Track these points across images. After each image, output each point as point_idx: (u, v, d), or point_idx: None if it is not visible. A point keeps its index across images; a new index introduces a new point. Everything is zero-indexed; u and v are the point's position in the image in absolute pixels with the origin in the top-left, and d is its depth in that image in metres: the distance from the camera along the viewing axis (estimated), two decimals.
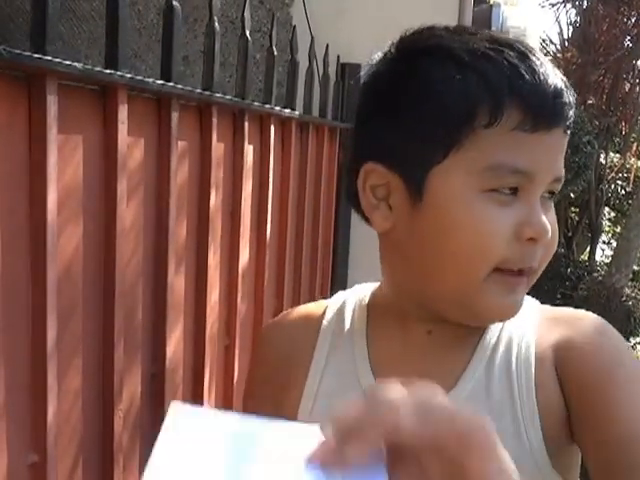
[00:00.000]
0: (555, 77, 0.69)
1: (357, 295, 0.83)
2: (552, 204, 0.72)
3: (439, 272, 0.69)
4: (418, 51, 0.70)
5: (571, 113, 0.70)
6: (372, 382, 0.74)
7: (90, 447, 1.15)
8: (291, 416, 0.76)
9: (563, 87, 0.69)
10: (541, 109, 0.67)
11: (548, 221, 0.69)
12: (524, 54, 0.68)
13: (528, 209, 0.67)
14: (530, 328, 0.75)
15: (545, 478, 0.70)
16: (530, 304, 0.79)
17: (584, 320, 0.76)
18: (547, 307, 0.80)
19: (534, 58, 0.69)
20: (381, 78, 0.73)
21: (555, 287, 4.91)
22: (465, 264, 0.67)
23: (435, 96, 0.67)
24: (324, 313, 0.82)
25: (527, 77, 0.66)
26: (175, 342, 1.39)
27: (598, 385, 0.69)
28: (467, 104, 0.65)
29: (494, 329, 0.76)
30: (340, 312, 0.82)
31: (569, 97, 0.70)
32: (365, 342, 0.78)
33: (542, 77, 0.67)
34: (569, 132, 0.71)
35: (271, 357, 0.84)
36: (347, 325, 0.80)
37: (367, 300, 0.81)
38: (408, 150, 0.69)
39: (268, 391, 0.82)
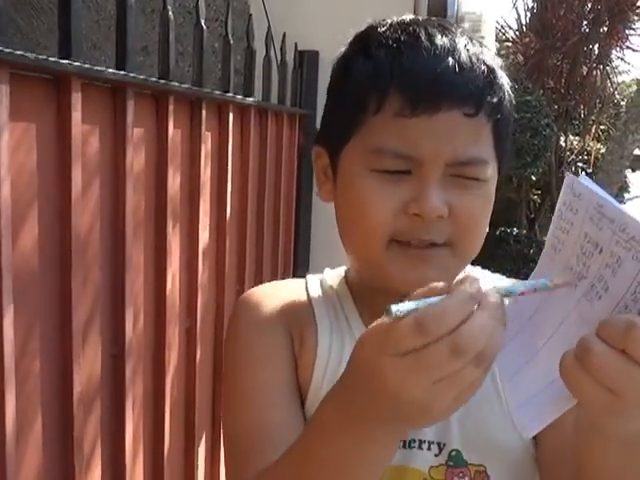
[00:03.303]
0: (447, 58, 0.68)
1: (332, 275, 0.87)
2: (476, 187, 0.72)
3: (351, 242, 0.77)
4: (353, 41, 0.78)
5: (474, 94, 0.69)
6: None
7: (50, 430, 1.17)
8: (305, 379, 0.78)
9: (454, 68, 0.68)
10: (418, 93, 0.68)
11: (465, 202, 0.71)
12: (418, 38, 0.70)
13: (418, 188, 0.70)
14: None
15: (525, 441, 0.75)
16: (499, 279, 0.85)
17: None
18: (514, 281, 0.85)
19: (426, 42, 0.70)
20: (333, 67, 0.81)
21: (518, 268, 4.99)
22: (362, 234, 0.73)
23: (344, 85, 0.76)
24: (307, 288, 0.85)
25: (407, 64, 0.69)
26: (135, 324, 1.42)
27: None
28: (361, 93, 0.72)
29: None
30: (323, 288, 0.84)
31: (467, 77, 0.69)
32: (357, 315, 0.81)
33: (423, 61, 0.69)
34: (481, 114, 0.70)
35: (271, 314, 0.81)
36: (335, 301, 0.82)
37: (342, 277, 0.85)
38: (331, 133, 0.78)
39: (273, 341, 0.79)
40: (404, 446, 0.74)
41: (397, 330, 0.51)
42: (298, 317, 0.81)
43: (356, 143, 0.73)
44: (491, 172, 0.74)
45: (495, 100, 0.71)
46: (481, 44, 0.75)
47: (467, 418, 0.75)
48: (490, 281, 0.84)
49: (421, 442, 0.75)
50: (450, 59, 0.69)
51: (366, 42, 0.74)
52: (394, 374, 0.50)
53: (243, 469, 0.73)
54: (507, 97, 0.74)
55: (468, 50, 0.71)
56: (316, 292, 0.84)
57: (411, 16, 0.78)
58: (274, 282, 0.92)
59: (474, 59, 0.71)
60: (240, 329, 0.83)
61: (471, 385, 0.51)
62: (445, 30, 0.73)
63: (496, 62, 0.74)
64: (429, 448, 0.75)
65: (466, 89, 0.69)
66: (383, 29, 0.74)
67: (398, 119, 0.69)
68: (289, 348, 0.80)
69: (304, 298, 0.83)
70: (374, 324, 0.54)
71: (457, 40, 0.71)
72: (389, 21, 0.76)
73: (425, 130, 0.69)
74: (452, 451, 0.74)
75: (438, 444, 0.75)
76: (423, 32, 0.71)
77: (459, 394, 0.51)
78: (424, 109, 0.68)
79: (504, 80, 0.75)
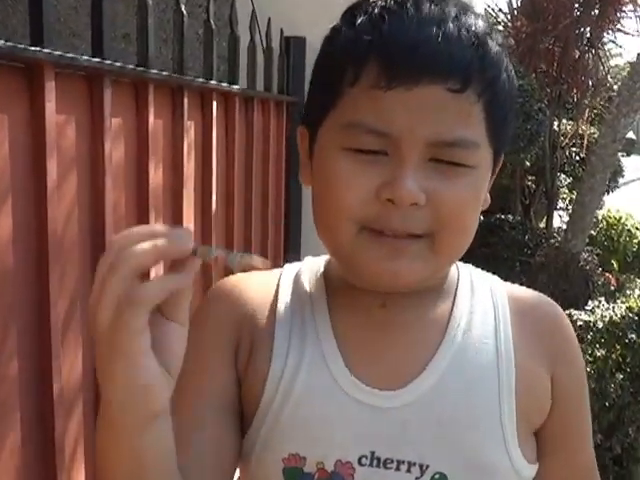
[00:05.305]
0: (431, 27, 0.61)
1: (310, 266, 0.78)
2: (462, 174, 0.64)
3: (320, 230, 0.69)
4: (343, 13, 0.71)
5: (459, 67, 0.61)
6: (341, 364, 0.69)
7: (28, 432, 1.13)
8: (256, 391, 0.70)
9: (438, 38, 0.61)
10: (395, 63, 0.61)
11: (447, 190, 0.63)
12: (403, 5, 0.63)
13: (393, 171, 0.62)
14: (502, 311, 0.73)
15: (512, 458, 0.69)
16: (494, 281, 0.77)
17: (563, 320, 0.76)
18: (510, 286, 0.78)
19: (412, 8, 0.63)
20: None
21: (513, 255, 4.94)
22: (332, 219, 0.66)
23: (325, 56, 0.70)
24: (279, 282, 0.76)
25: (386, 31, 0.62)
26: None
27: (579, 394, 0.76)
28: (340, 63, 0.65)
29: (462, 307, 0.72)
30: (297, 283, 0.76)
31: (453, 49, 0.61)
32: (328, 317, 0.72)
33: (405, 29, 0.62)
34: (469, 91, 0.62)
35: (226, 315, 0.75)
36: (306, 299, 0.74)
37: (321, 271, 0.76)
38: (311, 109, 0.71)
39: (219, 353, 0.73)
40: (378, 465, 0.67)
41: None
42: (256, 323, 0.73)
43: (332, 119, 0.66)
44: (482, 158, 0.65)
45: (487, 77, 0.63)
46: (480, 17, 0.66)
47: (457, 439, 0.67)
48: (483, 279, 0.77)
49: (399, 463, 0.67)
50: (435, 28, 0.61)
51: (354, 11, 0.68)
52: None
53: None
54: (504, 76, 0.66)
55: (459, 20, 0.63)
56: (286, 289, 0.75)
57: None
58: (249, 274, 0.79)
59: (464, 31, 0.62)
60: (195, 326, 0.76)
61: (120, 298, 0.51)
62: None
63: (494, 38, 0.66)
64: (409, 470, 0.67)
65: (450, 61, 0.61)
66: None
67: (374, 91, 0.62)
68: (229, 366, 0.72)
69: (271, 295, 0.75)
70: None
71: (448, 10, 0.63)
72: None
73: (402, 105, 0.61)
74: (436, 474, 0.67)
75: (420, 466, 0.67)
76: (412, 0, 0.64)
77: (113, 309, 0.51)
78: (401, 81, 0.61)
79: (501, 58, 0.66)
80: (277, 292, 0.75)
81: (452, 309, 0.72)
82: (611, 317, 2.62)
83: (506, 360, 0.70)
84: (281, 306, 0.73)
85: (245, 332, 0.73)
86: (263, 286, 0.76)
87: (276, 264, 2.25)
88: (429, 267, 0.66)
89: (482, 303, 0.73)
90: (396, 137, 0.62)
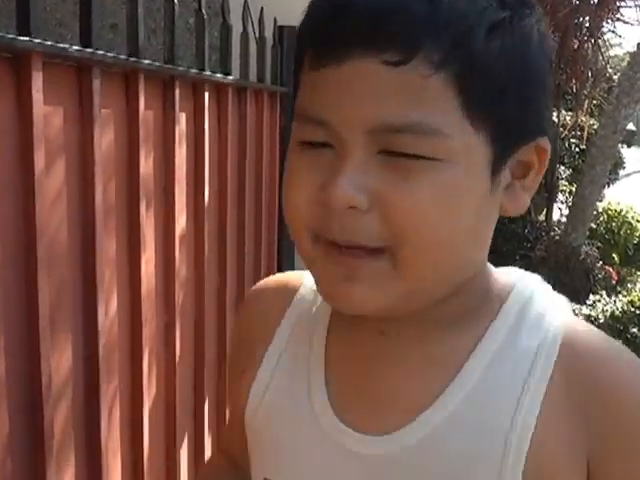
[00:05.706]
0: None
1: None
2: (426, 169, 0.51)
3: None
4: None
5: (396, 34, 0.49)
6: (323, 397, 0.62)
7: (19, 438, 1.10)
8: (242, 404, 0.68)
9: (372, 3, 0.50)
10: (322, 36, 0.52)
11: (400, 190, 0.51)
12: None
13: (333, 167, 0.53)
14: (544, 362, 0.56)
15: None
16: (555, 312, 0.60)
17: (629, 389, 0.57)
18: (575, 324, 0.60)
19: None
20: None
21: (513, 249, 4.94)
22: (290, 225, 0.58)
23: None
24: (295, 294, 0.70)
25: (325, 3, 0.54)
26: (109, 320, 1.34)
27: None
28: (297, 49, 0.59)
29: (487, 349, 0.58)
30: (309, 296, 0.69)
31: (388, 11, 0.49)
32: (323, 343, 0.65)
33: None
34: (415, 62, 0.49)
35: (242, 330, 0.73)
36: (310, 318, 0.67)
37: None
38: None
39: (234, 369, 0.72)
40: None
41: None
42: (265, 331, 0.69)
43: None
44: (457, 148, 0.51)
45: (446, 41, 0.49)
46: None
47: None
48: (541, 309, 0.61)
49: None
50: None
51: None
52: None
53: None
54: (483, 36, 0.50)
55: None
56: (302, 299, 0.69)
57: None
58: (282, 277, 0.76)
59: None
60: (233, 332, 0.81)
61: None
62: None
63: None
64: None
65: (381, 26, 0.49)
66: None
67: (310, 73, 0.54)
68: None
69: (286, 307, 0.69)
70: None
71: None
72: None
73: (333, 84, 0.52)
74: None
75: None
76: None
77: None
78: (331, 57, 0.51)
79: (480, 12, 0.50)
80: (291, 304, 0.70)
81: (475, 347, 0.58)
82: (612, 311, 2.60)
83: (520, 435, 0.55)
84: (285, 321, 0.68)
85: (245, 349, 0.70)
86: (281, 295, 0.71)
87: (270, 259, 2.20)
88: (393, 293, 0.54)
89: (520, 344, 0.58)
90: (334, 125, 0.52)
